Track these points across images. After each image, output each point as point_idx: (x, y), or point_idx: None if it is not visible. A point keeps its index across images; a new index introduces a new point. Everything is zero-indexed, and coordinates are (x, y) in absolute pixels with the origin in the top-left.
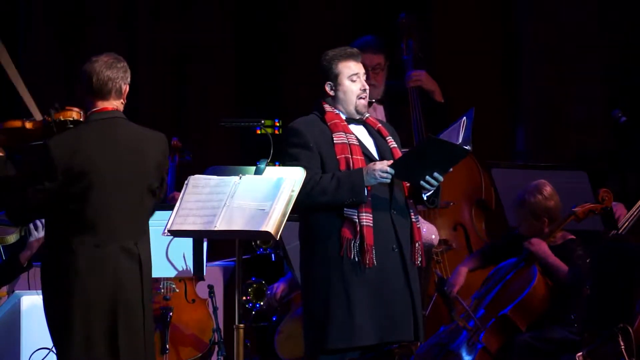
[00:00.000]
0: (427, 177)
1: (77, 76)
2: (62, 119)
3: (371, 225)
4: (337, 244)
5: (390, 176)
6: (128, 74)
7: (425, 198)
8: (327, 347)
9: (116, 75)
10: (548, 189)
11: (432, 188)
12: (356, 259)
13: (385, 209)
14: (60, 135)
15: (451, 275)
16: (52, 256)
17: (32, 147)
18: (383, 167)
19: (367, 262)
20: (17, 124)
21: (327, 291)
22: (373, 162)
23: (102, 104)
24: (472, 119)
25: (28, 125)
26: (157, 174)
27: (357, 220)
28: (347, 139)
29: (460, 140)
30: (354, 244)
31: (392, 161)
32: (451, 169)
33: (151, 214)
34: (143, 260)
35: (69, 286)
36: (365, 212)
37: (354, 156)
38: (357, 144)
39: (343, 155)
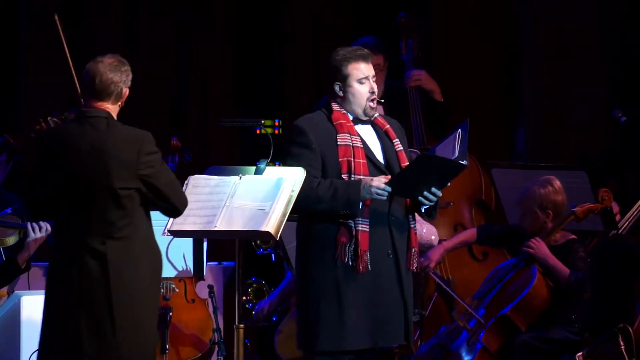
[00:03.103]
0: (425, 193)
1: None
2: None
3: (367, 230)
4: (332, 248)
5: (386, 193)
6: (130, 77)
7: (423, 210)
8: (317, 349)
9: (119, 79)
10: (558, 183)
11: (430, 203)
12: (350, 263)
13: (383, 214)
14: (47, 130)
15: (430, 249)
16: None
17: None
18: (379, 184)
19: (361, 267)
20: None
21: (320, 294)
22: (371, 178)
23: (95, 104)
24: (467, 131)
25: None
26: (126, 174)
27: (352, 225)
28: (352, 141)
29: (456, 154)
30: (348, 248)
31: (389, 177)
32: (449, 184)
33: (142, 213)
34: (111, 260)
35: (46, 288)
36: (362, 218)
37: (356, 159)
38: (361, 146)
39: (345, 158)
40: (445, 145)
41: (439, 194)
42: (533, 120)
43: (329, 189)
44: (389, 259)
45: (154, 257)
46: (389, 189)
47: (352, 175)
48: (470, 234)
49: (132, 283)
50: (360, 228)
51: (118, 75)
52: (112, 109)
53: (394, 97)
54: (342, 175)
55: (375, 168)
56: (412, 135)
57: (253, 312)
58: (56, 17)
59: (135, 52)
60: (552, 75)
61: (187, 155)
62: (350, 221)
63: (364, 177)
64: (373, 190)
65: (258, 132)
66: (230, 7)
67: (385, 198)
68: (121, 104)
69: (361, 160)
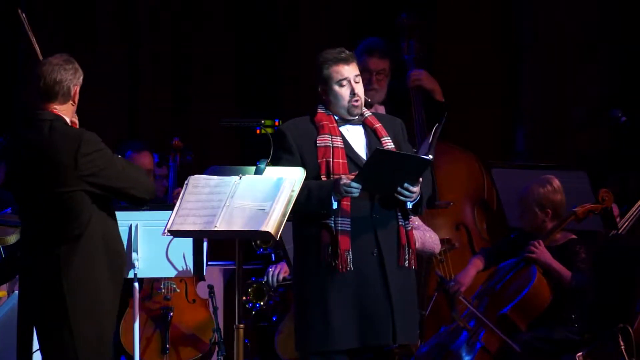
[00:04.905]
0: (399, 189)
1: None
2: None
3: (347, 230)
4: (316, 249)
5: (357, 190)
6: (78, 75)
7: (410, 207)
8: (308, 350)
9: (64, 77)
10: (557, 183)
11: (407, 199)
12: (333, 264)
13: (366, 214)
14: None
15: (459, 273)
16: None
17: None
18: (347, 182)
19: (341, 267)
20: None
21: (308, 295)
22: (340, 177)
23: (46, 106)
24: (442, 124)
25: None
26: (67, 177)
27: (333, 226)
28: (332, 141)
29: (426, 149)
30: (330, 249)
31: (354, 175)
32: (421, 180)
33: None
34: (63, 262)
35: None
36: (342, 218)
37: (335, 159)
38: (342, 146)
39: (324, 159)
40: (425, 141)
41: (413, 189)
42: (533, 120)
43: (303, 191)
44: (373, 257)
45: (112, 253)
46: (357, 185)
47: (332, 176)
48: (479, 263)
49: (87, 282)
50: (340, 228)
51: (62, 75)
52: (63, 109)
53: (395, 98)
54: (322, 176)
55: (356, 167)
56: (413, 135)
57: (266, 271)
58: (20, 12)
59: (136, 52)
60: (552, 75)
61: (188, 156)
62: (331, 222)
63: (338, 176)
64: (342, 188)
65: (258, 132)
66: (231, 8)
67: (357, 194)
68: (73, 102)
69: (340, 160)
